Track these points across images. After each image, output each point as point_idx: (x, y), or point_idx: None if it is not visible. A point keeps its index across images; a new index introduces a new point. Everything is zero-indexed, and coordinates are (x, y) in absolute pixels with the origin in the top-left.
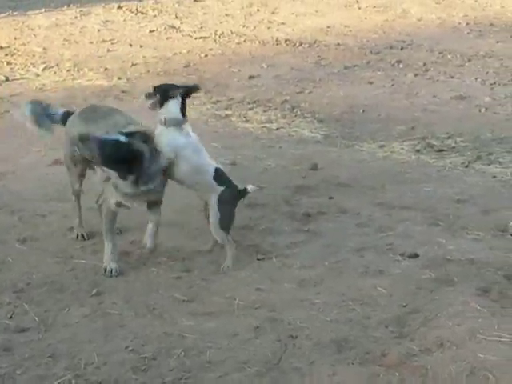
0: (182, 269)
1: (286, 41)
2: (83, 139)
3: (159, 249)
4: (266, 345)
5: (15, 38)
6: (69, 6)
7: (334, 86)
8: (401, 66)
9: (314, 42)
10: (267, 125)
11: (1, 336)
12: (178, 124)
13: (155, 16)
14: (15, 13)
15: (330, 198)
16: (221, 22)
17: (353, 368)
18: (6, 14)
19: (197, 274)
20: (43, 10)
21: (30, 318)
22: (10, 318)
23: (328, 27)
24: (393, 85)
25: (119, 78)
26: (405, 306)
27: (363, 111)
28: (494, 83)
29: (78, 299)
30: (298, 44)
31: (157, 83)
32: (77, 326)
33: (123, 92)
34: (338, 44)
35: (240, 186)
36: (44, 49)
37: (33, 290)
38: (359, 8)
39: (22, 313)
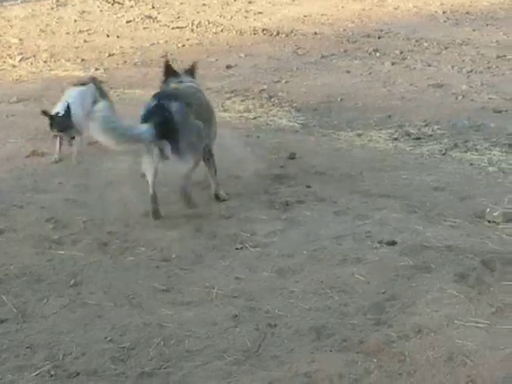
0: (160, 258)
1: (263, 30)
2: None
3: (138, 239)
4: (245, 333)
5: None
6: None
7: (311, 75)
8: (378, 54)
9: (291, 32)
10: (245, 114)
11: None
12: None
13: (132, 6)
14: None
15: (308, 186)
16: (198, 12)
17: (331, 355)
18: None
19: (175, 264)
20: (19, 0)
21: (7, 309)
22: None
23: (305, 16)
24: (370, 73)
25: (96, 69)
26: (383, 293)
27: (341, 100)
28: (471, 71)
29: (57, 290)
30: (275, 33)
31: (134, 74)
32: (55, 317)
33: (101, 82)
34: (315, 33)
35: None
36: (20, 40)
37: (11, 281)
38: None
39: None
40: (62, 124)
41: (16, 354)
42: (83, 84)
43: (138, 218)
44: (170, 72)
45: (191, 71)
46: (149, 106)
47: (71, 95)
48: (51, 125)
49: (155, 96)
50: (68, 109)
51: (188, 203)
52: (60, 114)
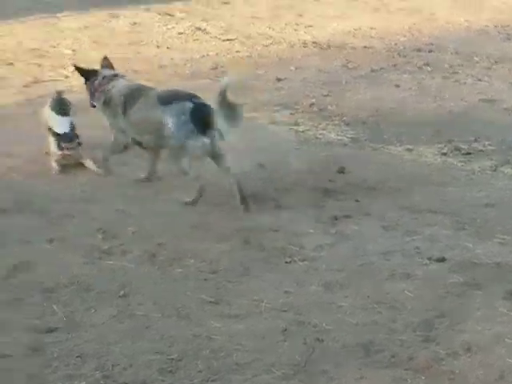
0: (208, 270)
1: (313, 43)
2: None
3: (186, 250)
4: (294, 347)
5: (44, 40)
6: (98, 8)
7: (361, 89)
8: (428, 68)
9: (341, 45)
10: (294, 127)
11: (30, 336)
12: None
13: (183, 18)
14: (45, 15)
15: (357, 200)
16: (248, 24)
17: (380, 371)
18: (37, 16)
19: (224, 276)
20: (73, 12)
21: (58, 318)
22: (39, 317)
23: (355, 30)
24: (420, 87)
25: (147, 80)
26: (432, 310)
27: (390, 114)
28: None
29: (106, 300)
30: (325, 47)
31: (184, 85)
32: (104, 327)
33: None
34: (365, 47)
35: None
36: (73, 50)
37: (60, 290)
38: (387, 11)
39: (50, 313)
40: (73, 141)
41: (66, 362)
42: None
43: (187, 230)
44: (87, 72)
45: (110, 65)
46: (186, 107)
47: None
48: (62, 142)
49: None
50: (73, 125)
51: (243, 200)
52: (68, 132)
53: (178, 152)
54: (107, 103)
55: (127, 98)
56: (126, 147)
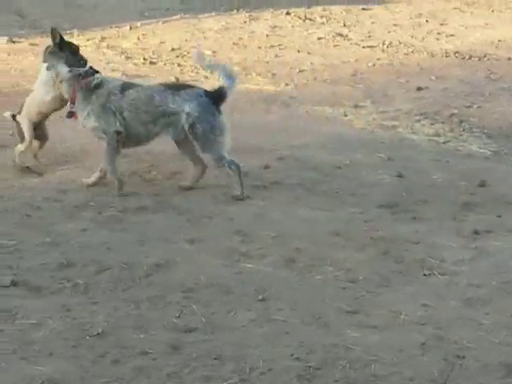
0: (347, 279)
1: (455, 53)
2: None
3: (325, 258)
4: (432, 363)
5: (186, 40)
6: (238, 10)
7: (504, 102)
8: None
9: (484, 56)
10: (434, 138)
11: (169, 335)
12: None
13: (323, 23)
14: (186, 16)
15: (498, 216)
16: (389, 32)
17: None
18: (178, 16)
19: (362, 286)
20: (213, 13)
21: (197, 319)
22: (178, 317)
23: (499, 41)
24: None
25: (286, 84)
26: None
27: None
28: None
29: (245, 303)
30: (467, 57)
31: (324, 91)
32: (243, 330)
33: (290, 98)
34: (509, 58)
35: None
36: (214, 52)
37: (200, 291)
38: None
39: (189, 313)
40: None
41: (204, 363)
42: None
43: (326, 237)
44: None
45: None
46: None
47: None
48: None
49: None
50: None
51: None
52: None
53: (211, 136)
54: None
55: (124, 83)
56: (119, 133)
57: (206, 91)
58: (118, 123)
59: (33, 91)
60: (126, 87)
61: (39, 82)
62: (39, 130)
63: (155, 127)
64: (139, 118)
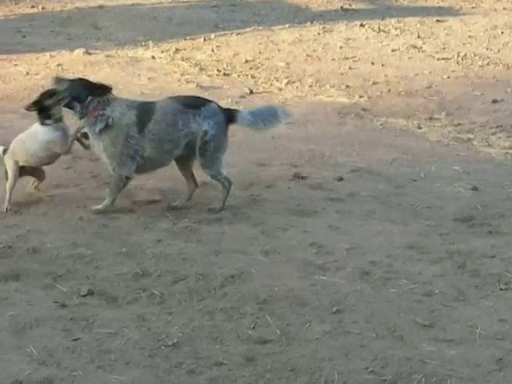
0: (422, 292)
1: None
2: None
3: (399, 271)
4: (510, 378)
5: (259, 52)
6: (312, 22)
7: None
8: None
9: None
10: (510, 151)
11: (244, 346)
12: None
13: (397, 35)
14: (260, 27)
15: None
16: (464, 44)
17: None
18: (252, 28)
19: (437, 300)
20: (287, 25)
21: (271, 331)
22: (253, 328)
23: None
24: None
25: (360, 96)
26: None
27: None
28: None
29: (319, 315)
30: None
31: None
32: (317, 342)
33: (364, 110)
34: None
35: None
36: (287, 64)
37: (275, 303)
38: None
39: (264, 324)
40: None
41: (279, 376)
42: None
43: (400, 250)
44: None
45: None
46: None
47: None
48: None
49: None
50: None
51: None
52: None
53: (217, 154)
54: (108, 129)
55: (140, 114)
56: (128, 179)
57: (219, 107)
58: (132, 168)
59: (22, 134)
60: (143, 120)
61: (33, 132)
62: (36, 170)
63: (177, 150)
64: (162, 149)
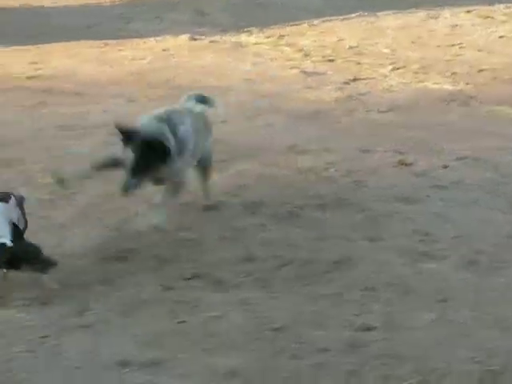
0: None
1: None
2: None
3: (507, 260)
4: None
5: (364, 38)
6: (417, 8)
7: None
8: None
9: None
10: None
11: (347, 332)
12: None
13: (504, 21)
14: (365, 13)
15: None
16: None
17: None
18: (357, 14)
19: None
20: (392, 11)
21: (376, 317)
22: (357, 315)
23: None
24: None
25: (466, 84)
26: None
27: None
28: None
29: (424, 303)
30: None
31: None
32: (422, 331)
33: (470, 97)
34: None
35: None
36: (392, 50)
37: (380, 290)
38: None
39: (368, 311)
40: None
41: (383, 362)
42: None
43: (507, 239)
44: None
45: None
46: None
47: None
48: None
49: None
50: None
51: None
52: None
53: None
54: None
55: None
56: None
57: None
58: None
59: None
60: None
61: None
62: None
63: None
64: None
